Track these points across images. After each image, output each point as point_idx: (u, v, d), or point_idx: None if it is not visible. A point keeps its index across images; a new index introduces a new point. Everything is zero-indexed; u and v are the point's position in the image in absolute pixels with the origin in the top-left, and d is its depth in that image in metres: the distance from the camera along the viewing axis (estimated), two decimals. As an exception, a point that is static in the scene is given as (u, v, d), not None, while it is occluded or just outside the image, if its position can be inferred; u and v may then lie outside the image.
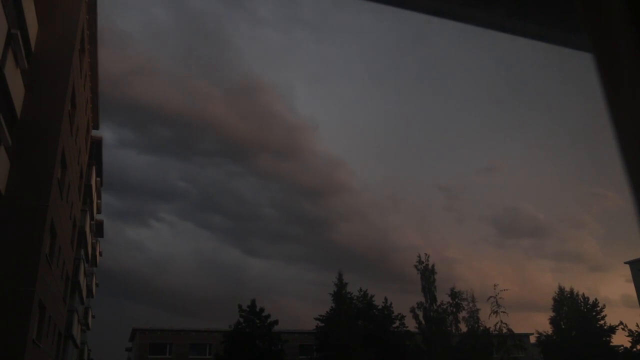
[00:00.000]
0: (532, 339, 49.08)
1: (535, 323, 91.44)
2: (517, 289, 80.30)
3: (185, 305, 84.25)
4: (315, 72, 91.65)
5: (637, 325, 40.31)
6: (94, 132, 36.86)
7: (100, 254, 51.00)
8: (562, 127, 77.23)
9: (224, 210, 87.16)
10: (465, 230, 73.92)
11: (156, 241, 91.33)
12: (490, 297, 40.43)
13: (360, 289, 43.27)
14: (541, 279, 74.01)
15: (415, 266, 42.04)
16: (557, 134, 77.69)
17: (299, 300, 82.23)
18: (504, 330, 40.09)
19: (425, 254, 42.34)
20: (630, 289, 71.66)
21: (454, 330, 40.64)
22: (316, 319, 42.19)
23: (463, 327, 40.77)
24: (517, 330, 40.82)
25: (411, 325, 41.66)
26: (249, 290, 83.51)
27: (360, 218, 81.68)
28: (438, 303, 40.93)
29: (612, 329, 41.95)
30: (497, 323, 40.24)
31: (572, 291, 44.65)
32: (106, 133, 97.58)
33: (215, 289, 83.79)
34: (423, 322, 40.51)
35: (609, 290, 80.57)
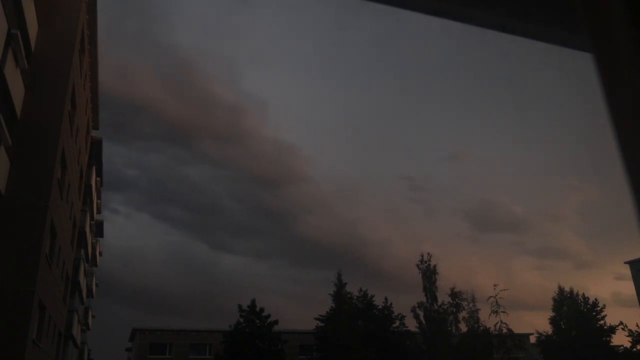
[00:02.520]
0: (532, 339, 49.09)
1: (524, 322, 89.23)
2: (503, 287, 78.68)
3: (159, 303, 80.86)
4: (265, 53, 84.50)
5: (637, 325, 40.37)
6: (94, 132, 36.89)
7: (100, 254, 51.00)
8: (536, 120, 73.93)
9: (181, 201, 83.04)
10: (437, 224, 70.11)
11: (115, 234, 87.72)
12: (490, 297, 40.67)
13: (360, 289, 43.35)
14: (526, 277, 70.49)
15: (417, 265, 42.17)
16: (534, 127, 73.80)
17: (278, 298, 79.60)
18: (504, 330, 40.19)
19: (428, 254, 42.42)
20: (620, 286, 70.43)
21: (454, 330, 40.70)
22: (316, 319, 42.25)
23: (463, 327, 40.87)
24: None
25: (411, 325, 41.75)
26: (225, 287, 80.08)
27: (324, 210, 78.42)
28: (439, 303, 41.03)
29: (612, 329, 41.98)
30: (497, 323, 40.39)
31: (571, 291, 44.70)
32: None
33: (189, 285, 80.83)
34: (424, 322, 40.58)
35: (599, 288, 77.94)
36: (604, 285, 76.02)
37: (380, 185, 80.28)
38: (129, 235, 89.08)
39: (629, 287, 71.34)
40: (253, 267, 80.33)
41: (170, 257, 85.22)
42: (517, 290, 71.90)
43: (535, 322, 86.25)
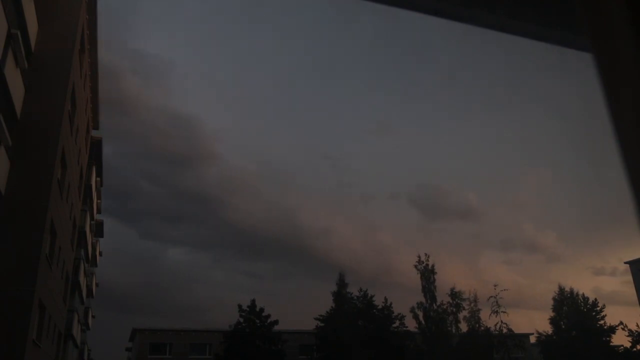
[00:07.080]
0: (532, 339, 49.11)
1: (508, 321, 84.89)
2: (473, 283, 72.11)
3: (107, 297, 73.82)
4: (166, 12, 75.39)
5: (637, 325, 40.42)
6: (94, 132, 36.90)
7: (100, 254, 51.02)
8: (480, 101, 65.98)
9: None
10: (378, 210, 63.85)
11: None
12: (491, 297, 40.80)
13: (360, 289, 43.35)
14: (495, 272, 63.74)
15: (415, 266, 42.18)
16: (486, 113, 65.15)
17: (241, 294, 75.20)
18: (504, 330, 40.27)
19: (425, 254, 42.40)
20: (600, 282, 67.38)
21: (453, 330, 40.73)
22: (316, 319, 42.27)
23: (463, 327, 40.92)
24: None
25: (411, 325, 41.75)
26: (174, 281, 73.58)
27: (249, 194, 71.48)
28: (438, 303, 41.07)
29: (612, 329, 42.01)
30: (497, 323, 40.47)
31: (572, 291, 44.76)
32: None
33: (133, 277, 75.09)
34: (423, 322, 40.60)
35: (577, 285, 71.05)
36: (583, 282, 67.77)
37: (304, 166, 73.71)
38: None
39: (610, 284, 68.85)
40: (194, 259, 74.31)
41: (103, 246, 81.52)
42: (489, 286, 67.76)
43: (516, 321, 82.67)
